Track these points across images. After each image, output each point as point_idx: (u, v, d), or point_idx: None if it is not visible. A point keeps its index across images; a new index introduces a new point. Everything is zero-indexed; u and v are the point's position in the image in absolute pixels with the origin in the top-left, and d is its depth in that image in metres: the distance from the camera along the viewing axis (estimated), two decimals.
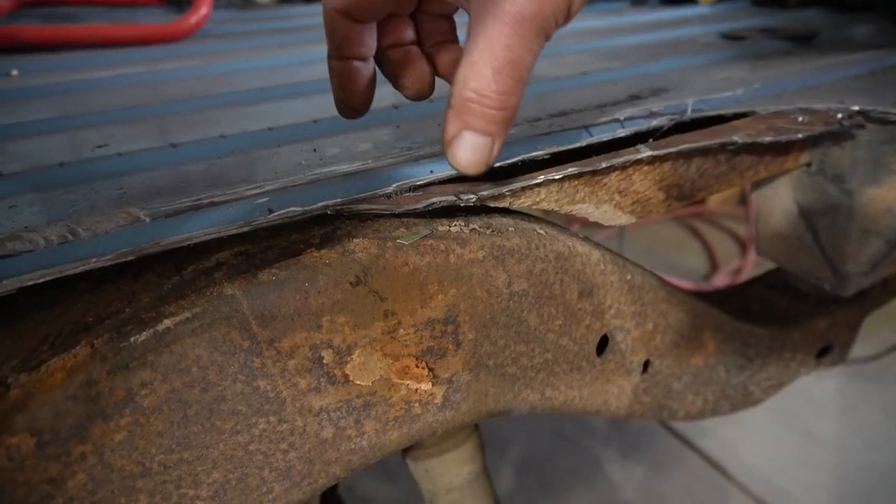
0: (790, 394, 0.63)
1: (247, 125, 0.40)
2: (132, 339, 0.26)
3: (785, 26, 0.74)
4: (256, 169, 0.34)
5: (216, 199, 0.29)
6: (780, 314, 0.60)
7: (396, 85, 0.35)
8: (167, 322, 0.27)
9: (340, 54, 0.33)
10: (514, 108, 0.28)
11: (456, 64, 0.32)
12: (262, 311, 0.28)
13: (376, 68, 0.35)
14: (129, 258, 0.26)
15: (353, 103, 0.35)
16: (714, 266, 2.06)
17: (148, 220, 0.28)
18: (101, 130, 0.40)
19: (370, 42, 0.34)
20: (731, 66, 0.57)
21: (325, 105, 0.44)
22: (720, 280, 1.96)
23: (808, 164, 0.52)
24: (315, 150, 0.37)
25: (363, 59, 0.34)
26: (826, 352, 0.63)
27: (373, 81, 0.35)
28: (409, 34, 0.35)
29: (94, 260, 0.25)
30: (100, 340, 0.26)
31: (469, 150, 0.28)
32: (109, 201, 0.31)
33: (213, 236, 0.28)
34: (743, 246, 2.15)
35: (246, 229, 0.28)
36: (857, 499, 1.32)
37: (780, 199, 0.57)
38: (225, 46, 0.63)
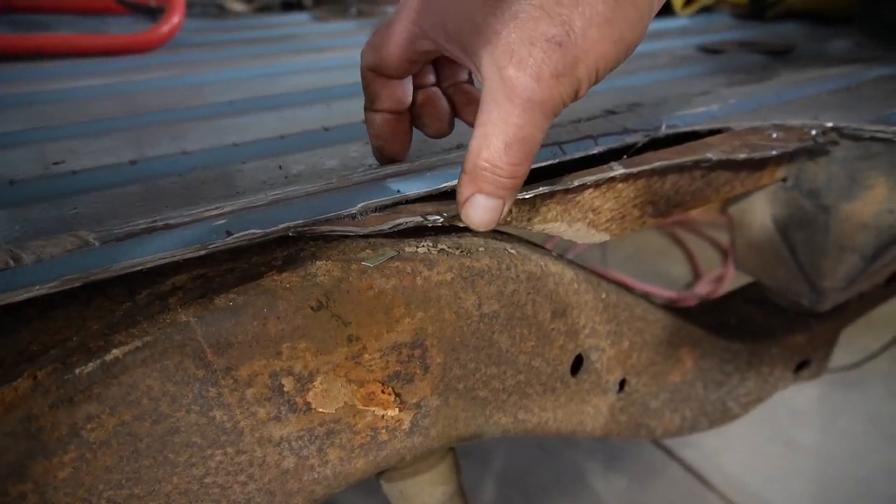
0: (772, 403, 0.63)
1: (213, 140, 0.39)
2: (77, 371, 0.25)
3: (763, 40, 0.74)
4: (218, 187, 0.33)
5: (171, 222, 0.28)
6: (758, 329, 0.60)
7: (417, 124, 0.37)
8: (116, 352, 0.25)
9: (374, 107, 0.36)
10: (523, 176, 0.30)
11: (471, 105, 0.36)
12: (218, 338, 0.27)
13: (410, 119, 0.37)
14: (75, 285, 0.25)
15: (388, 153, 0.37)
16: (696, 274, 2.07)
17: (97, 244, 0.26)
18: (61, 145, 0.38)
19: (403, 97, 0.36)
20: (707, 79, 0.57)
21: (295, 119, 0.43)
22: (702, 288, 1.97)
23: (784, 180, 0.52)
24: (280, 167, 0.36)
25: (397, 112, 0.36)
26: (804, 366, 0.63)
27: (409, 132, 0.37)
28: (431, 77, 0.37)
29: (36, 287, 0.24)
30: (43, 372, 0.25)
31: (481, 211, 0.31)
32: (60, 222, 0.30)
33: (166, 261, 0.27)
34: (725, 254, 2.16)
35: (202, 253, 0.27)
36: None
37: (756, 214, 0.57)
38: (198, 56, 0.62)
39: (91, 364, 0.25)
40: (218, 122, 0.43)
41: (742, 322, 0.61)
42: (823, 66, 0.62)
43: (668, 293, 1.91)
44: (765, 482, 1.36)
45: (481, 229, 0.32)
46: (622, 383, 0.47)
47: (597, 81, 0.29)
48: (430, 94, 0.37)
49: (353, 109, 0.45)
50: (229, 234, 0.28)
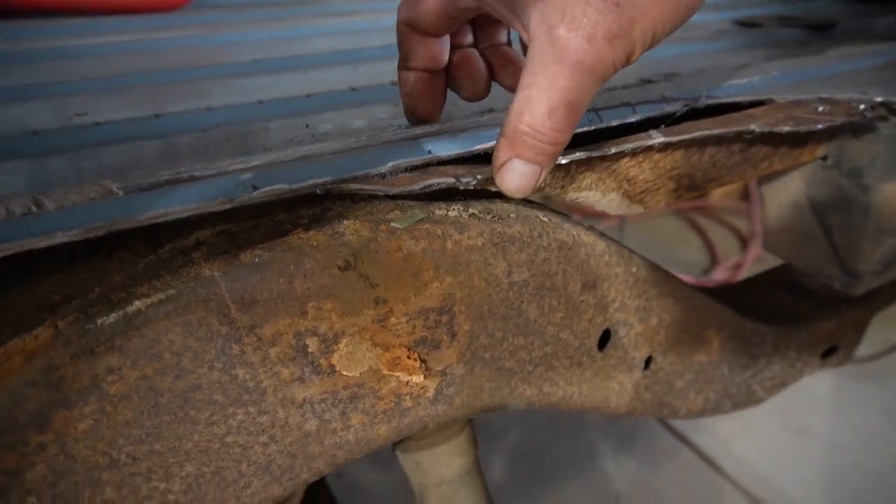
0: (788, 391, 0.62)
1: (237, 98, 0.38)
2: (99, 322, 0.24)
3: (801, 15, 0.71)
4: (244, 143, 0.32)
5: (196, 174, 0.27)
6: (786, 312, 0.58)
7: (452, 86, 0.36)
8: (138, 304, 0.25)
9: (408, 65, 0.34)
10: (565, 143, 0.29)
11: (509, 68, 0.35)
12: (243, 294, 0.26)
13: (446, 79, 0.36)
14: (98, 234, 0.24)
15: (420, 113, 0.36)
16: (714, 261, 2.04)
17: (121, 193, 0.26)
18: (83, 98, 0.38)
19: (440, 55, 0.34)
20: (745, 53, 0.54)
21: (321, 80, 0.42)
22: (719, 275, 1.94)
23: (824, 158, 0.50)
24: (307, 125, 0.35)
25: (432, 71, 0.34)
26: (832, 352, 0.62)
27: (443, 93, 0.36)
28: (469, 37, 0.36)
29: (59, 234, 0.23)
30: (64, 322, 0.24)
31: (517, 177, 0.30)
32: (82, 173, 0.29)
33: (191, 213, 0.26)
34: (743, 241, 2.13)
35: (227, 206, 0.26)
36: (851, 499, 1.31)
37: (790, 194, 0.55)
38: (221, 17, 0.60)
39: (113, 315, 0.24)
40: (242, 81, 0.41)
41: (769, 305, 0.60)
42: (867, 42, 0.59)
43: (685, 278, 1.89)
44: (776, 469, 1.35)
45: (516, 196, 0.31)
46: (648, 361, 0.45)
47: (651, 46, 0.28)
48: (467, 54, 0.35)
49: (381, 72, 0.43)
50: (255, 188, 0.27)
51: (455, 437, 0.48)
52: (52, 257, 0.27)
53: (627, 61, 0.28)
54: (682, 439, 1.43)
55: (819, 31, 0.64)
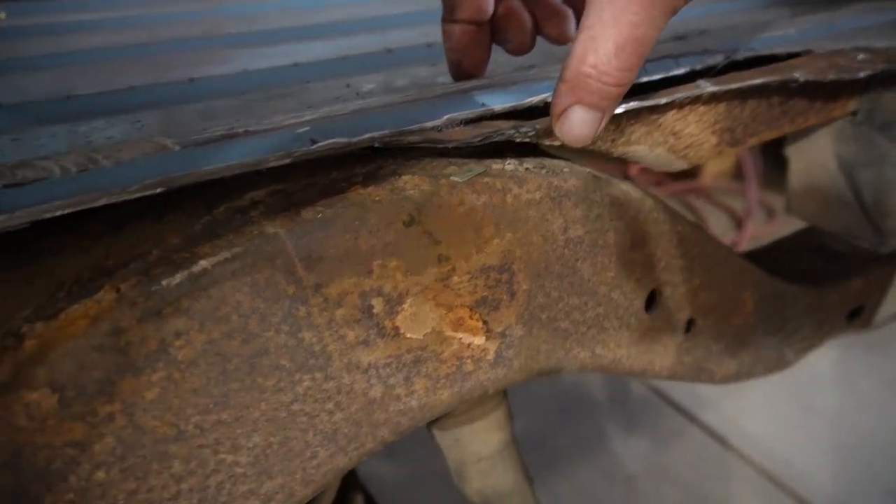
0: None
1: (270, 62, 0.36)
2: (164, 283, 0.23)
3: None
4: (287, 103, 0.31)
5: (251, 129, 0.26)
6: (816, 274, 0.58)
7: (497, 40, 0.35)
8: (204, 263, 0.23)
9: (453, 17, 0.33)
10: (629, 84, 0.28)
11: (553, 18, 0.34)
12: (309, 251, 0.25)
13: (490, 32, 0.34)
14: (159, 189, 0.23)
15: (466, 67, 0.34)
16: None
17: (178, 148, 0.24)
18: (107, 66, 0.36)
19: (485, 5, 0.33)
20: (770, 10, 0.54)
21: (352, 44, 0.41)
22: None
23: (854, 113, 0.49)
24: (348, 85, 0.34)
25: (477, 23, 0.33)
26: (857, 313, 0.61)
27: (488, 47, 0.34)
28: None
29: (118, 190, 0.22)
30: (126, 284, 0.23)
31: (579, 124, 0.28)
32: (126, 133, 0.27)
33: (250, 168, 0.24)
34: (738, 221, 2.14)
35: (287, 161, 0.25)
36: (858, 469, 1.33)
37: (817, 153, 0.54)
38: None
39: (178, 275, 0.23)
40: (271, 48, 0.40)
41: (798, 267, 0.59)
42: None
43: None
44: (784, 443, 1.36)
45: (577, 144, 0.29)
46: (689, 323, 0.45)
47: None
48: (512, 5, 0.34)
49: (411, 36, 0.42)
50: (314, 142, 0.26)
51: (493, 411, 0.47)
52: (99, 221, 0.26)
53: None
54: (690, 417, 1.44)
55: None
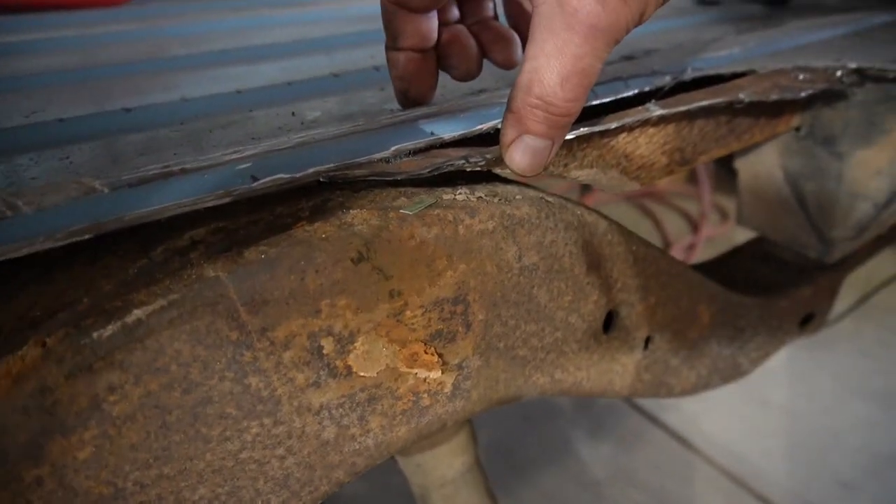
0: None
1: (212, 88, 0.35)
2: (95, 335, 0.21)
3: None
4: (228, 134, 0.30)
5: (188, 166, 0.25)
6: (766, 283, 0.59)
7: (443, 66, 0.34)
8: (138, 312, 0.22)
9: (397, 46, 0.32)
10: (577, 114, 0.28)
11: (499, 43, 0.33)
12: (252, 295, 0.24)
13: (436, 58, 0.34)
14: (86, 236, 0.21)
15: (413, 95, 0.34)
16: (667, 244, 2.09)
17: (106, 190, 0.23)
18: (36, 95, 0.34)
19: (429, 33, 0.32)
20: (715, 28, 0.55)
21: (297, 67, 0.40)
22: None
23: (798, 128, 0.51)
24: (294, 113, 0.33)
25: (422, 50, 0.32)
26: (809, 319, 0.63)
27: (435, 73, 0.34)
28: (455, 13, 0.34)
29: (40, 239, 0.21)
30: (53, 338, 0.21)
31: (529, 154, 0.28)
32: (53, 172, 0.26)
33: (188, 208, 0.23)
34: (693, 223, 2.19)
35: (227, 200, 0.24)
36: (813, 461, 1.37)
37: (765, 166, 0.56)
38: (170, 10, 0.57)
39: (111, 327, 0.21)
40: (212, 71, 0.39)
41: (749, 277, 0.60)
42: (823, 14, 0.61)
43: None
44: (742, 440, 1.40)
45: (527, 174, 0.29)
46: (647, 340, 0.45)
47: (664, 2, 0.27)
48: (456, 31, 0.34)
49: (358, 58, 0.41)
50: (255, 178, 0.25)
51: (455, 435, 0.47)
52: (26, 268, 0.24)
53: (640, 20, 0.27)
54: (652, 420, 1.46)
55: (776, 6, 0.65)
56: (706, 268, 0.63)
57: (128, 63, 0.40)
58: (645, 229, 2.20)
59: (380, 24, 0.32)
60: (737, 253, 0.65)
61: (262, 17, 0.53)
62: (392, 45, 0.32)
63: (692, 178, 2.31)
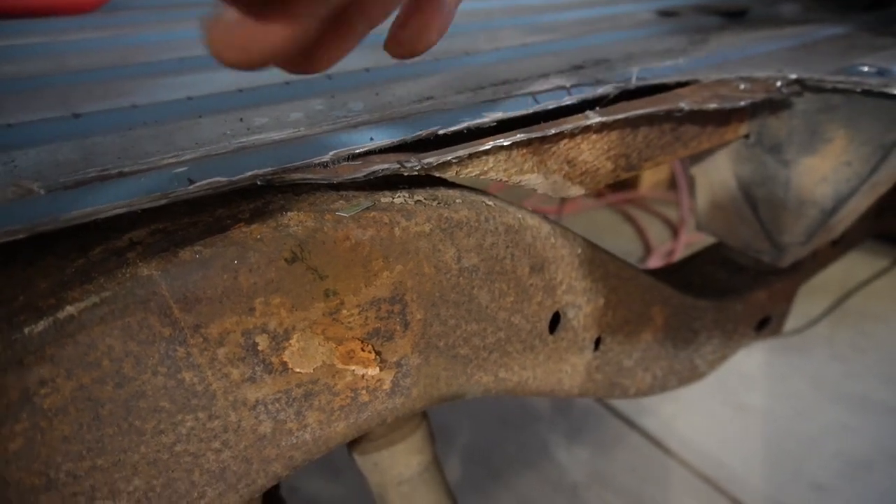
0: (723, 369, 0.65)
1: (164, 95, 0.36)
2: (26, 331, 0.22)
3: (717, 3, 0.75)
4: (175, 139, 0.31)
5: (126, 170, 0.26)
6: (722, 287, 0.61)
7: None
8: (70, 309, 0.23)
9: None
10: None
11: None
12: (185, 293, 0.25)
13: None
14: (19, 237, 0.22)
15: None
16: (647, 249, 2.11)
17: (42, 192, 0.24)
18: None
19: None
20: (668, 39, 0.56)
21: (250, 76, 0.41)
22: (655, 262, 2.01)
23: (747, 136, 0.52)
24: (241, 119, 0.34)
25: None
26: (765, 323, 0.65)
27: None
28: None
29: None
30: None
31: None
32: None
33: (122, 210, 0.24)
34: (674, 229, 2.21)
35: (163, 202, 0.25)
36: (785, 465, 1.39)
37: (719, 173, 0.57)
38: (138, 18, 0.58)
39: (42, 323, 0.22)
40: (167, 80, 0.40)
41: (706, 281, 0.62)
42: (777, 26, 0.63)
43: None
44: (719, 444, 1.41)
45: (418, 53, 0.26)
46: (597, 341, 0.46)
47: None
48: None
49: None
50: (191, 181, 0.26)
51: (411, 434, 0.48)
52: None
53: None
54: (630, 424, 1.47)
55: (733, 18, 0.67)
56: (664, 272, 0.65)
57: (86, 71, 0.41)
58: (627, 234, 2.22)
59: None
60: (695, 258, 0.67)
61: None
62: None
63: (673, 184, 2.34)
